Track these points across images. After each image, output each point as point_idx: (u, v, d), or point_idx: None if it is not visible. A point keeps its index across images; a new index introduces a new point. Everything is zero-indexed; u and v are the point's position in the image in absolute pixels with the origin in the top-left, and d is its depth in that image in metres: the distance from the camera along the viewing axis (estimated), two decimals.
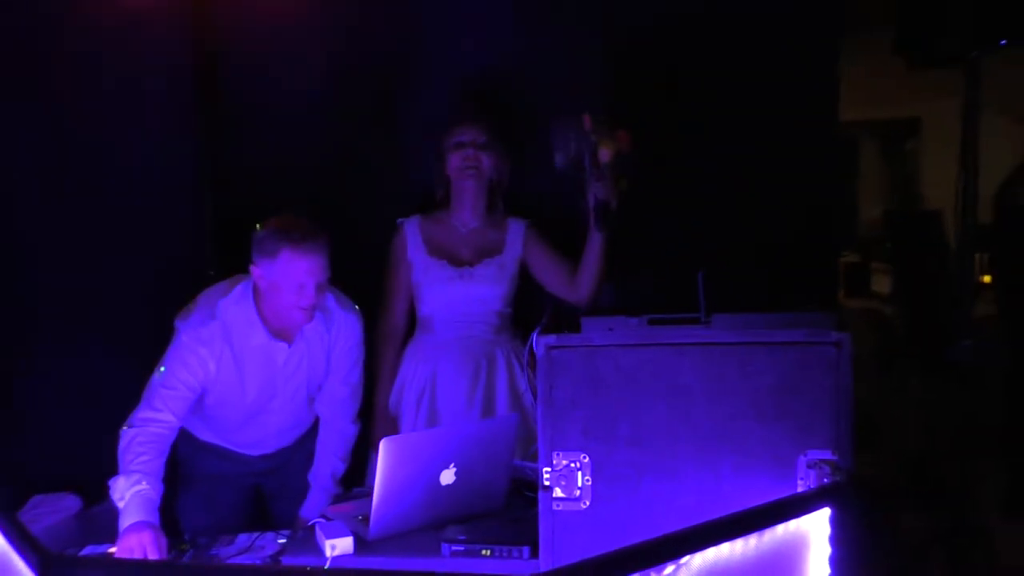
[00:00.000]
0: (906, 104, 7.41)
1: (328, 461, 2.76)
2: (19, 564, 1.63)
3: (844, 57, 3.39)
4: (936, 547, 3.49)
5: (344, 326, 2.72)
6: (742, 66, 3.27)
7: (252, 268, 2.56)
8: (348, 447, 2.81)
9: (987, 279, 6.24)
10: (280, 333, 2.64)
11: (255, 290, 2.60)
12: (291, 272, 2.50)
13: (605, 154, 2.60)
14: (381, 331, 3.04)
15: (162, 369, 2.57)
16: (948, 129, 4.24)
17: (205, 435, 2.78)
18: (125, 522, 2.35)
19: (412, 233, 3.06)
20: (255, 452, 2.82)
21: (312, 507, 2.68)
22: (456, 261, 3.02)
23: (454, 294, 2.99)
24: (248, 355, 2.61)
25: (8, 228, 3.13)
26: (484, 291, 2.99)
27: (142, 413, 2.52)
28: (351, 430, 2.81)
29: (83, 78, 3.14)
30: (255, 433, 2.78)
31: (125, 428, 2.51)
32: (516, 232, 3.07)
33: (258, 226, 2.58)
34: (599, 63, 3.26)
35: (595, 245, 2.81)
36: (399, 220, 3.09)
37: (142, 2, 3.14)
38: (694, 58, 3.28)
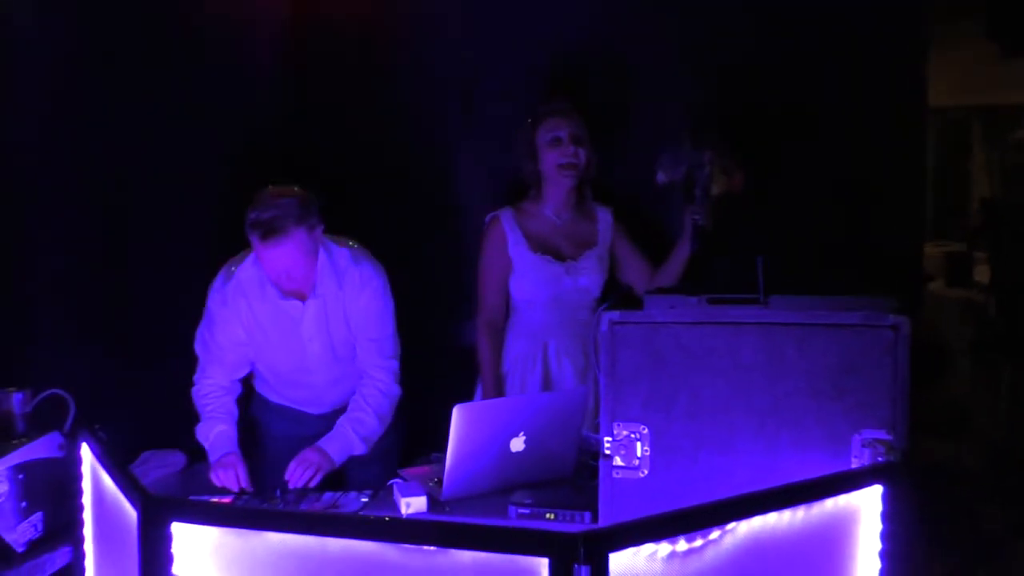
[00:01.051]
0: (1015, 92, 7.21)
1: (357, 407, 2.82)
2: (126, 504, 1.82)
3: (948, 45, 3.36)
4: (1015, 539, 3.46)
5: (358, 281, 2.80)
6: (833, 59, 3.27)
7: None
8: (382, 401, 2.84)
9: None
10: (291, 292, 2.77)
11: None
12: (262, 257, 2.67)
13: (716, 189, 2.79)
14: (481, 322, 3.11)
15: (197, 333, 2.85)
16: None
17: (273, 397, 3.01)
18: (214, 456, 2.73)
19: (510, 228, 3.09)
20: (315, 411, 2.97)
21: (327, 440, 2.75)
22: (559, 256, 3.09)
23: (561, 287, 3.07)
24: (265, 314, 2.79)
25: (116, 198, 3.38)
26: (587, 281, 3.09)
27: (196, 375, 2.86)
28: (386, 380, 2.85)
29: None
30: (305, 391, 2.94)
31: (192, 389, 2.86)
32: (605, 222, 3.16)
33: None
34: (677, 52, 3.32)
35: (682, 255, 2.94)
36: (492, 214, 3.13)
37: None
38: (782, 43, 3.31)
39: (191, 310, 2.95)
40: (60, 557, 2.33)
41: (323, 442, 2.75)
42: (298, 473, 2.66)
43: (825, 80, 3.28)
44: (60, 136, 3.27)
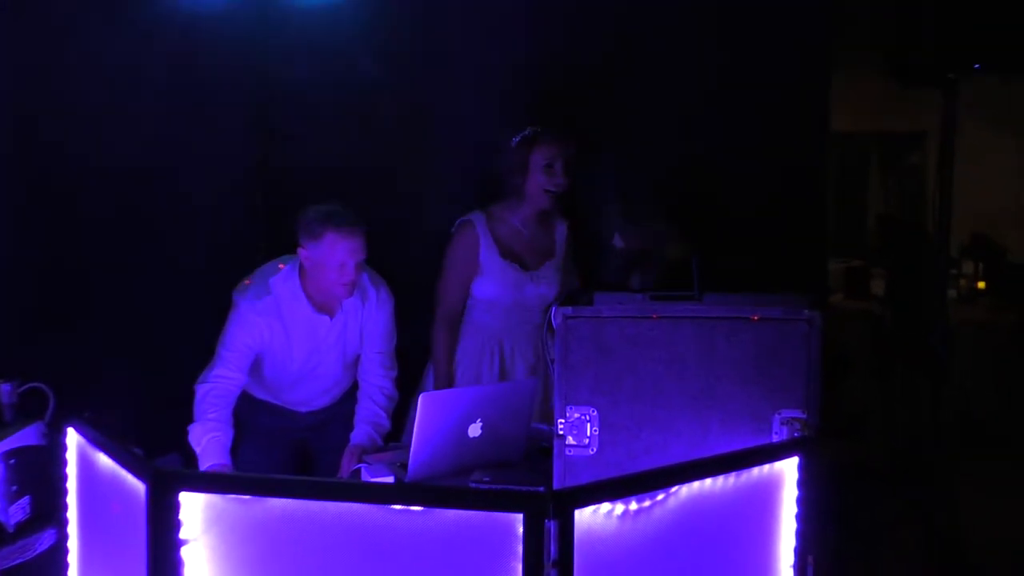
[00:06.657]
0: (914, 118, 7.72)
1: (368, 408, 3.08)
2: (129, 479, 1.95)
3: (849, 76, 3.73)
4: (908, 520, 3.83)
5: (377, 301, 3.09)
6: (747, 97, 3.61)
7: (299, 250, 2.93)
8: (386, 401, 3.11)
9: (982, 285, 6.58)
10: (322, 308, 3.02)
11: (301, 269, 2.99)
12: (334, 252, 2.88)
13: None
14: (441, 317, 3.30)
15: (226, 335, 2.99)
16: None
17: (260, 394, 3.19)
18: (205, 463, 2.82)
19: (483, 233, 3.28)
20: (303, 409, 3.22)
21: (357, 439, 3.03)
22: (524, 264, 3.32)
23: (523, 293, 3.31)
24: (295, 326, 3.01)
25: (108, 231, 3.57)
26: (546, 290, 3.34)
27: (213, 371, 2.96)
28: (388, 386, 3.13)
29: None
30: (303, 392, 3.17)
31: (199, 384, 2.95)
32: (561, 234, 3.42)
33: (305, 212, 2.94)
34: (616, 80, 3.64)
35: None
36: (465, 217, 3.31)
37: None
38: (707, 77, 3.64)
39: (163, 311, 3.13)
40: (47, 538, 2.48)
41: (356, 441, 3.02)
42: (349, 465, 2.90)
43: (741, 114, 3.62)
44: (40, 133, 3.46)
